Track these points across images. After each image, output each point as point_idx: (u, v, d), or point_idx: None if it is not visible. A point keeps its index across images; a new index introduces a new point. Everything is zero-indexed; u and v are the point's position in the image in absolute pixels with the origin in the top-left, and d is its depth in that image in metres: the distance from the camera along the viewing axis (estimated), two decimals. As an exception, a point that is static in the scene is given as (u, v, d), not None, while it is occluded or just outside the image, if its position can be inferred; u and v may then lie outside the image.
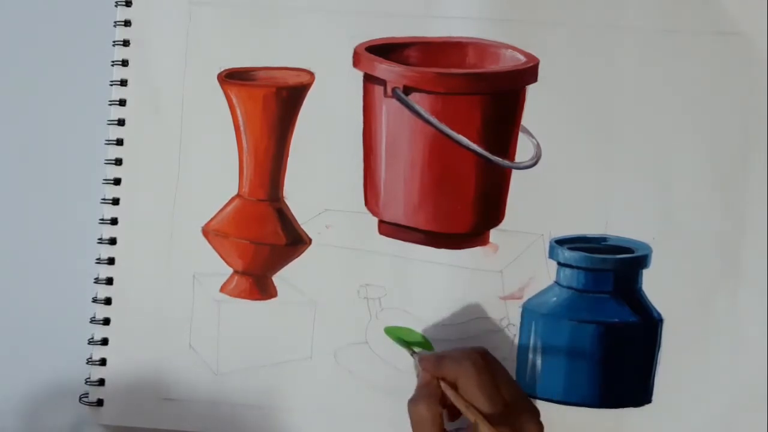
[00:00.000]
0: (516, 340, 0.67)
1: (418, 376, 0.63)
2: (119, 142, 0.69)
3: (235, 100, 0.68)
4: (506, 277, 0.67)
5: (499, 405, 0.57)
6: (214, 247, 0.68)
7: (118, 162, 0.69)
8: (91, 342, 0.68)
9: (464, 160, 0.66)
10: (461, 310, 0.67)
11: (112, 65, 0.69)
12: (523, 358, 0.66)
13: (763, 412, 0.65)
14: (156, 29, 0.69)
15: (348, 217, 0.68)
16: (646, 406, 0.66)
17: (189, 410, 0.67)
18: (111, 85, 0.69)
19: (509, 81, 0.67)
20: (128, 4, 0.69)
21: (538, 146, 0.67)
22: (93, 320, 0.68)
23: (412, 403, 0.59)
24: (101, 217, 0.68)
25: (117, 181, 0.68)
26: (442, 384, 0.59)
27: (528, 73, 0.67)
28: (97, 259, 0.68)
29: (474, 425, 0.57)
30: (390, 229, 0.68)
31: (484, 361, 0.59)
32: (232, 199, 0.68)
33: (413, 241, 0.67)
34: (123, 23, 0.69)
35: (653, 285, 0.66)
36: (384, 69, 0.66)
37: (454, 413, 0.60)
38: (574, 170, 0.67)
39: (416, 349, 0.65)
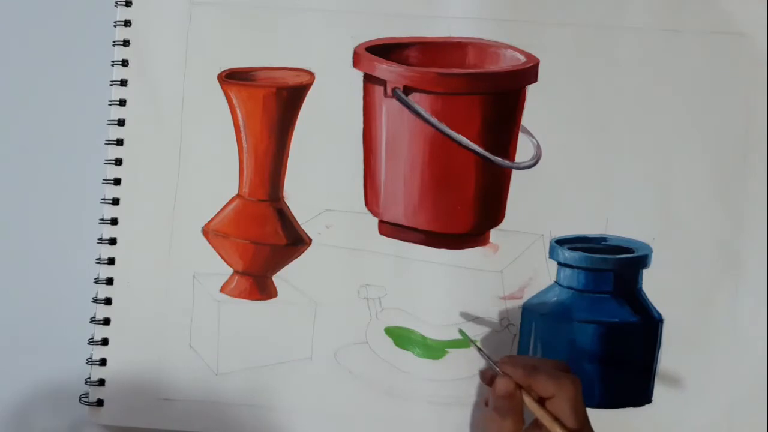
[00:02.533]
0: (516, 340, 0.67)
1: (484, 378, 0.62)
2: (119, 142, 0.69)
3: (235, 100, 0.68)
4: (506, 277, 0.67)
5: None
6: (214, 247, 0.68)
7: (118, 162, 0.69)
8: (91, 342, 0.68)
9: (464, 160, 0.66)
10: (461, 310, 0.67)
11: (112, 65, 0.69)
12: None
13: (763, 412, 0.65)
14: (156, 29, 0.69)
15: (348, 217, 0.68)
16: (646, 406, 0.66)
17: (189, 410, 0.67)
18: (111, 85, 0.69)
19: (509, 81, 0.67)
20: (128, 4, 0.69)
21: (538, 146, 0.67)
22: (93, 320, 0.68)
23: (495, 415, 0.57)
24: (101, 217, 0.68)
25: (117, 181, 0.68)
26: (528, 399, 0.57)
27: (528, 73, 0.67)
28: (97, 259, 0.68)
29: None
30: (390, 229, 0.68)
31: (580, 387, 0.57)
32: (232, 199, 0.68)
33: (413, 241, 0.67)
34: (123, 23, 0.69)
35: (653, 285, 0.66)
36: (384, 69, 0.66)
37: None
38: (574, 170, 0.67)
39: (479, 344, 0.64)
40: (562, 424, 0.56)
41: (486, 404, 0.60)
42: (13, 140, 0.71)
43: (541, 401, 0.57)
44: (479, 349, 0.62)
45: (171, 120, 0.69)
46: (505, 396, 0.57)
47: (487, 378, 0.61)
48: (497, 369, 0.59)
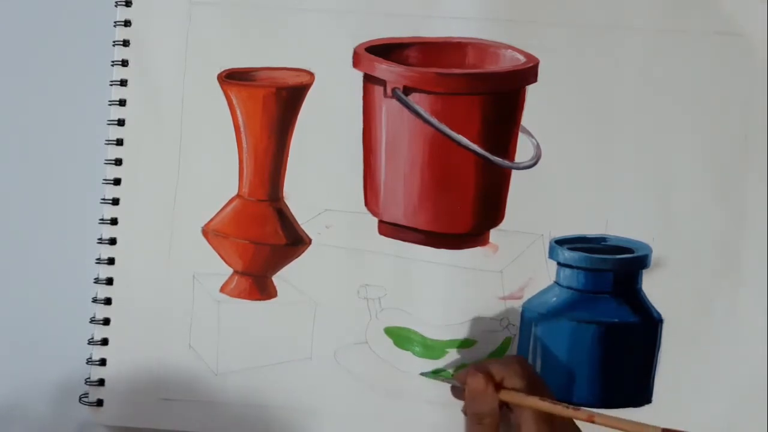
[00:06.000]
0: (516, 340, 0.67)
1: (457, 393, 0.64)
2: (119, 142, 0.69)
3: (235, 100, 0.68)
4: (506, 277, 0.67)
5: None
6: (214, 247, 0.68)
7: (118, 162, 0.69)
8: (91, 342, 0.68)
9: (464, 160, 0.66)
10: (461, 310, 0.67)
11: (112, 65, 0.69)
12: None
13: (763, 412, 0.65)
14: (156, 29, 0.69)
15: (348, 217, 0.68)
16: (646, 406, 0.66)
17: (189, 410, 0.67)
18: (111, 85, 0.69)
19: (509, 81, 0.67)
20: (128, 4, 0.69)
21: (538, 146, 0.67)
22: (93, 320, 0.68)
23: (473, 418, 0.59)
24: (101, 217, 0.68)
25: (117, 181, 0.68)
26: (492, 390, 0.58)
27: (528, 73, 0.67)
28: (97, 259, 0.68)
29: (522, 425, 0.57)
30: (390, 229, 0.68)
31: (527, 363, 0.60)
32: (232, 199, 0.68)
33: (413, 242, 0.67)
34: (123, 23, 0.69)
35: (653, 285, 0.66)
36: (384, 69, 0.66)
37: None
38: (574, 170, 0.67)
39: (443, 374, 0.66)
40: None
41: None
42: (13, 140, 0.71)
43: (500, 388, 0.58)
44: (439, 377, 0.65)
45: (171, 120, 0.69)
46: (477, 390, 0.58)
47: (459, 391, 0.62)
48: (457, 381, 0.62)
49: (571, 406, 0.56)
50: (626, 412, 0.66)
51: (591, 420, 0.55)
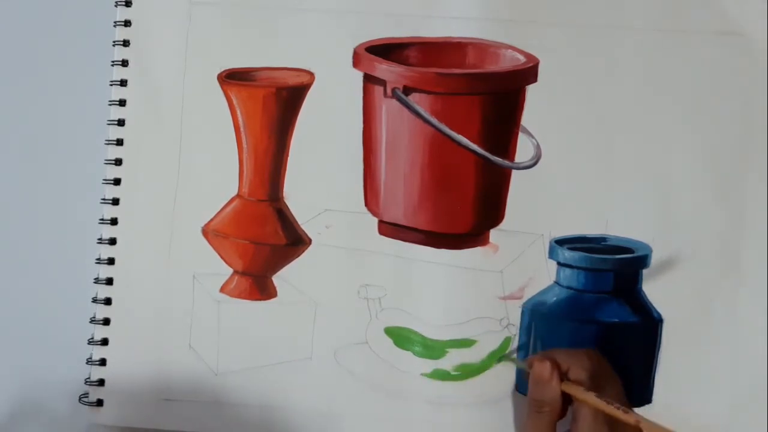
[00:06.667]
0: (516, 340, 0.67)
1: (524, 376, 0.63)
2: (119, 142, 0.69)
3: (235, 100, 0.68)
4: (506, 277, 0.67)
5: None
6: (214, 247, 0.68)
7: (118, 162, 0.69)
8: (91, 342, 0.68)
9: (464, 160, 0.66)
10: (461, 310, 0.67)
11: (112, 65, 0.69)
12: (523, 359, 0.66)
13: (763, 412, 0.65)
14: (156, 29, 0.69)
15: (348, 217, 0.68)
16: (646, 406, 0.66)
17: (189, 410, 0.67)
18: (111, 85, 0.69)
19: (509, 81, 0.67)
20: (128, 4, 0.69)
21: (538, 146, 0.67)
22: (93, 320, 0.68)
23: (533, 405, 0.59)
24: (101, 217, 0.68)
25: (117, 181, 0.68)
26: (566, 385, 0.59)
27: (528, 73, 0.67)
28: (97, 259, 0.68)
29: (580, 418, 0.57)
30: (390, 229, 0.68)
31: (597, 357, 0.60)
32: (232, 199, 0.68)
33: (413, 242, 0.67)
34: (123, 23, 0.69)
35: (653, 285, 0.66)
36: (384, 69, 0.66)
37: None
38: (574, 170, 0.67)
39: (514, 356, 0.66)
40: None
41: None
42: (13, 140, 0.71)
43: (564, 378, 0.59)
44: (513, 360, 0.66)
45: (171, 120, 0.69)
46: (541, 377, 0.59)
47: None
48: (525, 366, 0.62)
49: (623, 408, 0.56)
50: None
51: (637, 423, 0.55)
